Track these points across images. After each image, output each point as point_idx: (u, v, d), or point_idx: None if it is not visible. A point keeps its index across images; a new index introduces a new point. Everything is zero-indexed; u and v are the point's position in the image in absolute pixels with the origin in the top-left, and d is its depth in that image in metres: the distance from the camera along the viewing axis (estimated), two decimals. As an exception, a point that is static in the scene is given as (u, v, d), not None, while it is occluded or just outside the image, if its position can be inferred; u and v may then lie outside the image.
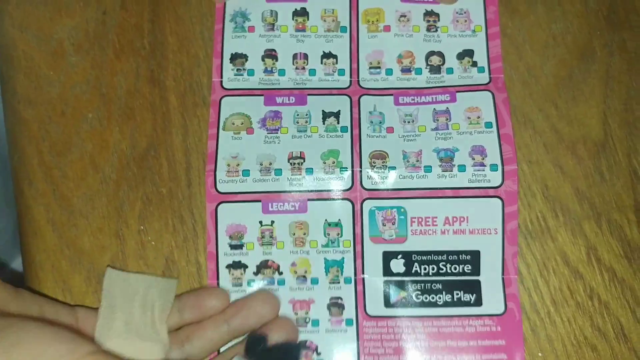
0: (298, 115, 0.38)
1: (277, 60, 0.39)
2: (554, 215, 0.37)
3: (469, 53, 0.39)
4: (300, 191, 0.37)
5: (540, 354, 0.36)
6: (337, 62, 0.39)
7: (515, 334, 0.36)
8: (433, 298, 0.36)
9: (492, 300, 0.36)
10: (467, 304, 0.36)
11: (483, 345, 0.36)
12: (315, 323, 0.36)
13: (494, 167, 0.37)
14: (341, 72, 0.39)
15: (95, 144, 0.39)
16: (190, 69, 0.40)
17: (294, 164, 0.37)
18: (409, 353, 0.36)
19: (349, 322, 0.36)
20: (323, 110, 0.38)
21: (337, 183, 0.37)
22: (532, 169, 0.38)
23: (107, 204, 0.38)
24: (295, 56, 0.39)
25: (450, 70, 0.39)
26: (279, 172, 0.37)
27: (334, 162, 0.37)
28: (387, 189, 0.37)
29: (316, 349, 0.36)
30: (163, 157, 0.39)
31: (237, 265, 0.37)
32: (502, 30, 0.39)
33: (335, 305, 0.36)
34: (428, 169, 0.37)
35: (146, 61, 0.40)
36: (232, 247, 0.37)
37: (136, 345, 0.33)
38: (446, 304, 0.36)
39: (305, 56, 0.39)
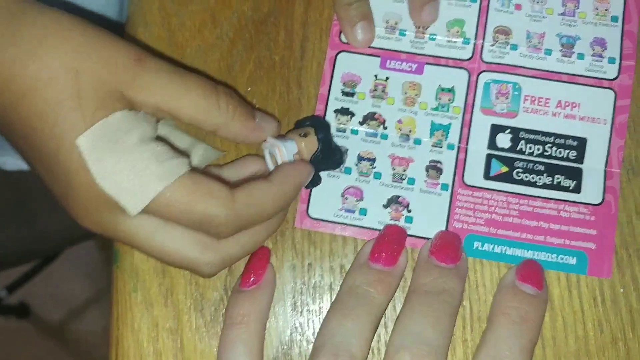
0: None
1: None
2: None
3: None
4: (420, 54, 0.37)
5: (622, 290, 0.35)
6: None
7: (608, 226, 0.36)
8: (533, 178, 0.36)
9: (591, 189, 0.36)
10: (566, 189, 0.36)
11: (574, 232, 0.36)
12: (411, 181, 0.36)
13: (611, 60, 0.37)
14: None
15: (218, 0, 0.39)
16: None
17: (419, 27, 0.38)
18: (499, 226, 0.36)
19: (444, 186, 0.36)
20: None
21: (458, 52, 0.37)
22: None
23: (219, 60, 0.38)
24: None
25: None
26: (402, 32, 0.38)
27: (457, 32, 0.38)
28: (506, 65, 0.37)
29: (407, 206, 0.36)
30: (282, 26, 0.39)
31: (345, 111, 0.37)
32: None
33: (434, 168, 0.36)
34: (548, 52, 0.37)
35: None
36: (344, 93, 0.37)
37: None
38: (545, 186, 0.36)
39: None
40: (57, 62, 0.29)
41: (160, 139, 0.31)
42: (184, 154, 0.33)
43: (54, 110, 0.28)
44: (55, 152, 0.29)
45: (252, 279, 0.35)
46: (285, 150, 0.34)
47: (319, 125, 0.35)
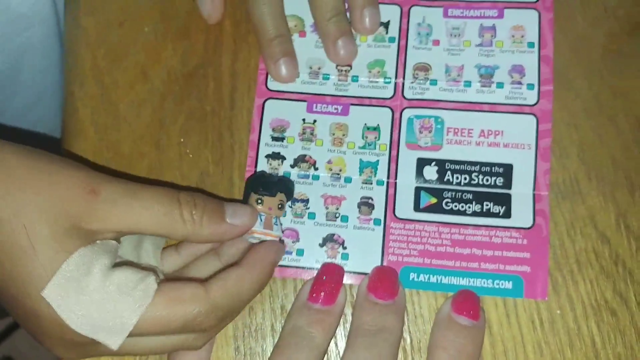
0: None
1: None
2: (588, 178, 0.37)
3: None
4: (344, 96, 0.39)
5: (558, 311, 0.36)
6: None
7: (540, 249, 0.36)
8: (462, 207, 0.37)
9: (521, 213, 0.37)
10: (496, 215, 0.37)
11: (508, 257, 0.36)
12: (345, 219, 0.37)
13: (530, 87, 0.38)
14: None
15: (148, 56, 0.41)
16: None
17: (341, 70, 0.39)
18: (433, 256, 0.36)
19: (377, 221, 0.37)
20: (372, 20, 0.40)
21: (380, 91, 0.39)
22: (570, 131, 0.38)
23: (151, 114, 0.40)
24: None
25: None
26: (326, 76, 0.39)
27: (378, 72, 0.39)
28: (427, 100, 0.38)
29: (343, 243, 0.37)
30: (210, 77, 0.41)
31: (276, 156, 0.38)
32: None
33: (366, 204, 0.37)
34: (468, 84, 0.38)
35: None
36: (274, 138, 0.39)
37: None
38: (475, 214, 0.37)
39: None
40: (7, 210, 0.28)
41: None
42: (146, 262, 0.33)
43: (12, 260, 0.28)
44: (21, 299, 0.29)
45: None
46: (272, 237, 0.35)
47: (288, 191, 0.36)
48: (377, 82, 0.39)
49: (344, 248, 0.37)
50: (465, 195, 0.37)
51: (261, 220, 0.34)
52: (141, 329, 0.29)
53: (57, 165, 0.30)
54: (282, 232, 0.36)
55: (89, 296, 0.28)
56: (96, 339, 0.29)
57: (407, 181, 0.37)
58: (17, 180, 0.29)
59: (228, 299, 0.31)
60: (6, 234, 0.28)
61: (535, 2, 0.39)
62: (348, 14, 0.39)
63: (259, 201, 0.35)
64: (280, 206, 0.35)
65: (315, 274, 0.36)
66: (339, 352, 0.36)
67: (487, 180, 0.37)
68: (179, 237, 0.32)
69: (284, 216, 0.37)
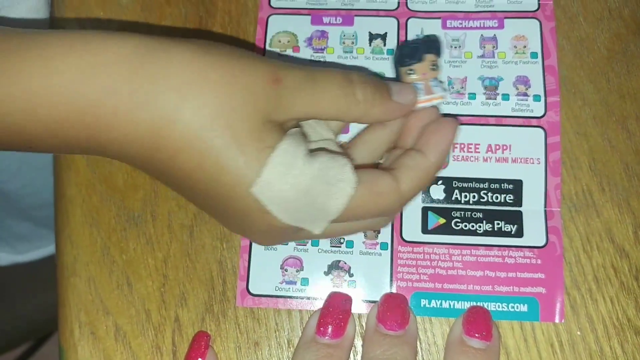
0: (345, 36, 0.38)
1: (324, -17, 0.39)
2: (601, 189, 0.36)
3: None
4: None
5: (579, 333, 0.34)
6: (384, -14, 0.39)
7: (555, 268, 0.34)
8: (473, 227, 0.35)
9: (534, 232, 0.35)
10: (508, 234, 0.35)
11: (522, 278, 0.34)
12: (350, 244, 0.36)
13: (537, 98, 0.36)
14: (389, -5, 0.39)
15: None
16: (238, 19, 0.40)
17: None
18: (444, 280, 0.35)
19: (383, 245, 0.35)
20: (370, 32, 0.38)
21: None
22: (580, 140, 0.36)
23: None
24: (342, -20, 0.39)
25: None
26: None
27: (377, 87, 0.37)
28: (430, 115, 0.37)
29: (349, 270, 0.35)
30: None
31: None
32: (555, 1, 0.38)
33: (371, 228, 0.36)
34: (472, 96, 0.37)
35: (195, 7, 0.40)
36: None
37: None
38: (486, 233, 0.35)
39: (353, -20, 0.39)
40: (203, 112, 0.27)
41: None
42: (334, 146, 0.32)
43: (216, 162, 0.27)
44: (227, 198, 0.28)
45: None
46: (438, 100, 0.33)
47: (436, 49, 0.34)
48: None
49: (351, 275, 0.35)
50: (475, 214, 0.35)
51: (420, 89, 0.32)
52: (342, 216, 0.30)
53: (237, 59, 0.29)
54: (445, 89, 0.34)
55: (296, 187, 0.28)
56: (302, 227, 0.30)
57: (413, 202, 0.36)
58: (209, 83, 0.27)
59: (417, 189, 0.31)
60: (209, 137, 0.27)
61: (536, 10, 0.38)
62: None
63: (410, 72, 0.33)
64: (433, 67, 0.33)
65: (321, 305, 0.34)
66: (349, 385, 0.34)
67: (497, 197, 0.35)
68: (352, 119, 0.31)
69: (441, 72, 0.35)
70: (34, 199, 0.58)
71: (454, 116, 0.36)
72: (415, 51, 0.33)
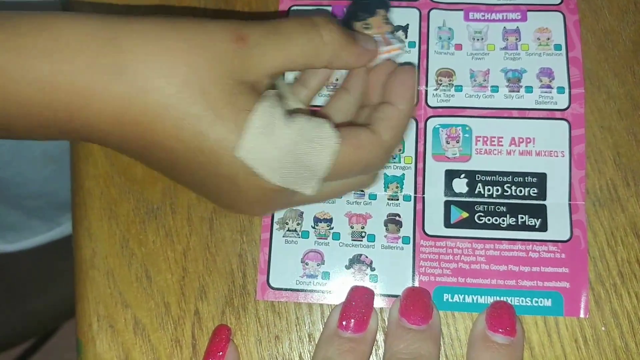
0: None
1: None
2: (625, 183, 0.35)
3: None
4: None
5: (603, 328, 0.34)
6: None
7: (580, 263, 0.34)
8: (496, 220, 0.35)
9: (558, 225, 0.34)
10: (532, 228, 0.35)
11: (546, 272, 0.34)
12: (371, 238, 0.35)
13: (560, 90, 0.36)
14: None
15: None
16: (258, 11, 0.39)
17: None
18: (467, 275, 0.34)
19: (405, 239, 0.35)
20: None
21: (401, 100, 0.36)
22: (604, 134, 0.36)
23: None
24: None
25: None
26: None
27: (398, 79, 0.37)
28: (453, 107, 0.36)
29: (370, 264, 0.35)
30: None
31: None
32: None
33: (393, 221, 0.35)
34: (495, 89, 0.36)
35: None
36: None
37: None
38: (510, 227, 0.35)
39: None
40: (174, 81, 0.27)
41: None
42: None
43: (193, 129, 0.27)
44: (213, 166, 0.28)
45: None
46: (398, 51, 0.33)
47: (383, 3, 0.35)
48: (398, 91, 0.37)
49: (372, 269, 0.35)
50: (499, 208, 0.35)
51: (380, 40, 0.33)
52: (330, 175, 0.30)
53: (196, 25, 0.29)
54: (402, 41, 0.35)
55: (280, 147, 0.28)
56: (294, 188, 0.30)
57: (435, 195, 0.35)
58: (173, 51, 0.27)
59: (396, 137, 0.32)
60: (179, 108, 0.27)
61: (559, 4, 0.37)
62: None
63: (366, 26, 0.34)
64: (386, 21, 0.34)
65: (343, 299, 0.34)
66: (372, 380, 0.34)
67: (521, 191, 0.35)
68: (322, 63, 0.31)
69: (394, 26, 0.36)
70: (24, 189, 0.57)
71: (478, 109, 0.36)
72: (367, 6, 0.34)
